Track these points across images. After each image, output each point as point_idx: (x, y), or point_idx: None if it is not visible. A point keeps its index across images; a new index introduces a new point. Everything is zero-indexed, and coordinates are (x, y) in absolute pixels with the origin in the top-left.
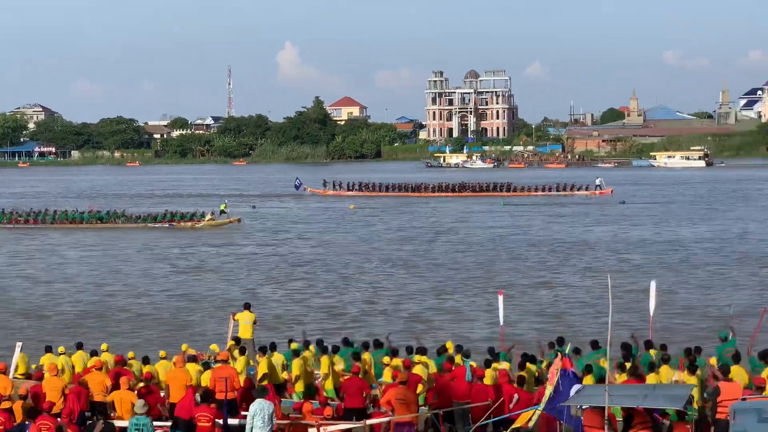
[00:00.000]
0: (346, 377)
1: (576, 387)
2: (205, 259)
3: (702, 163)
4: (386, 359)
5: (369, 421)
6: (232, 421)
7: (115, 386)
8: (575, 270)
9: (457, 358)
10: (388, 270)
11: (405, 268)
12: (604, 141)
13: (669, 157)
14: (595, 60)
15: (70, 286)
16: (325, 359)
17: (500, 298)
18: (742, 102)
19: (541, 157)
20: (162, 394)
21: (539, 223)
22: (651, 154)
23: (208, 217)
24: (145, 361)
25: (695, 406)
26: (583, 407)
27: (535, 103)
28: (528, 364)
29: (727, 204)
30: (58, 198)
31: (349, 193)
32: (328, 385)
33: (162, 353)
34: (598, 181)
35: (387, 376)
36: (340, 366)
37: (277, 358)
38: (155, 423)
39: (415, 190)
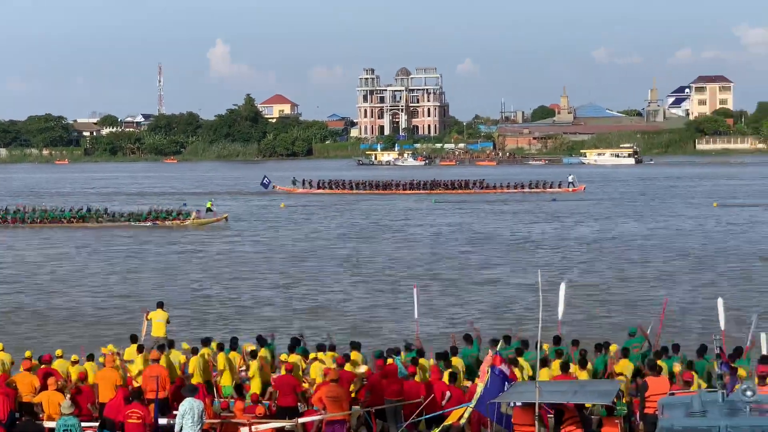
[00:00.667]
0: (275, 376)
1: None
2: (171, 257)
3: (631, 161)
4: (320, 355)
5: (301, 420)
6: (162, 421)
7: (44, 387)
8: (513, 266)
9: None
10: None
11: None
12: (535, 138)
13: (599, 154)
14: (526, 58)
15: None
16: (221, 356)
17: (414, 291)
18: (671, 100)
19: (473, 155)
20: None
21: (478, 220)
22: (581, 151)
23: (194, 215)
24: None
25: (624, 401)
26: (514, 404)
27: (466, 100)
28: (455, 360)
29: (662, 200)
30: None
31: (319, 191)
32: (225, 381)
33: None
34: (570, 178)
35: (314, 373)
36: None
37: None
38: (84, 424)
39: (384, 187)
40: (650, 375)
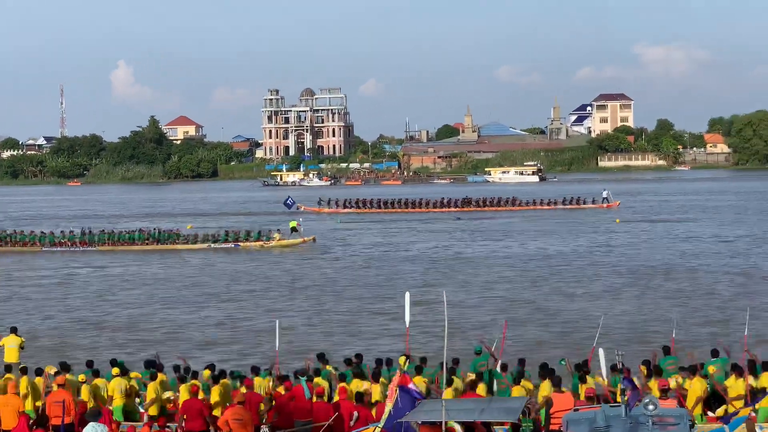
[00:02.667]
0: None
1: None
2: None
3: (535, 178)
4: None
5: None
6: None
7: None
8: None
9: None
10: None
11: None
12: (439, 157)
13: (504, 172)
14: (430, 77)
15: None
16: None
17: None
18: (573, 118)
19: (378, 174)
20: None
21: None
22: (486, 169)
23: (277, 236)
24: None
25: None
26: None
27: (370, 120)
28: (357, 381)
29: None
30: None
31: (345, 210)
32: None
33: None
34: (605, 194)
35: (183, 393)
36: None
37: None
38: None
39: (414, 206)
40: (555, 391)
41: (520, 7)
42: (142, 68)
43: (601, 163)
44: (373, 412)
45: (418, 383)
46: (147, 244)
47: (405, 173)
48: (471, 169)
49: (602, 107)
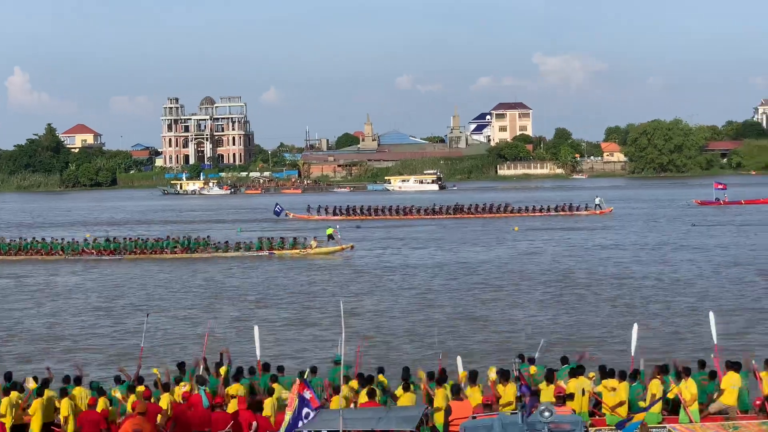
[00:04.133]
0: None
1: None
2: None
3: (435, 187)
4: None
5: None
6: None
7: None
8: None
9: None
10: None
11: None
12: (339, 166)
13: (403, 180)
14: (330, 85)
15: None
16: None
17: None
18: (472, 126)
19: (278, 183)
20: None
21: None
22: (386, 178)
23: (314, 243)
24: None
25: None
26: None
27: (271, 129)
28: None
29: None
30: None
31: (336, 217)
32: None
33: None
34: (597, 200)
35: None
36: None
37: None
38: None
39: (404, 212)
40: (453, 399)
41: (420, 17)
42: (39, 74)
43: (501, 172)
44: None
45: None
46: (176, 252)
47: (305, 182)
48: (371, 177)
49: (501, 116)
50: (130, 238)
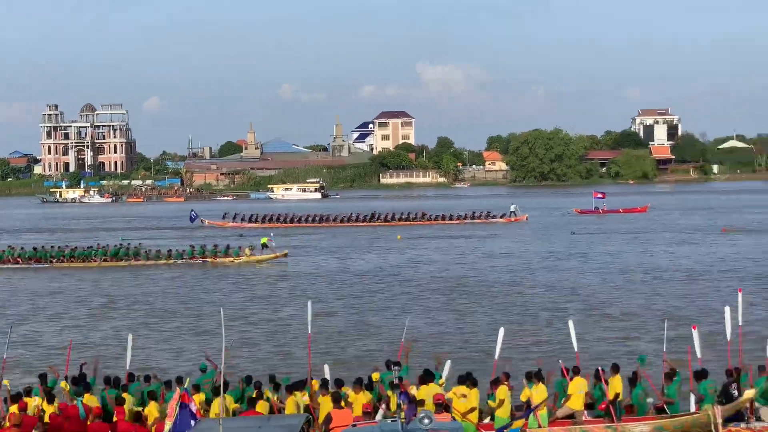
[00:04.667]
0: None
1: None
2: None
3: (318, 195)
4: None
5: None
6: None
7: None
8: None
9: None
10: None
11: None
12: (222, 174)
13: (286, 189)
14: (213, 94)
15: None
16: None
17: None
18: (355, 135)
19: (160, 191)
20: None
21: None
22: (269, 186)
23: (247, 251)
24: None
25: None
26: None
27: (153, 137)
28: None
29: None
30: None
31: (251, 225)
32: None
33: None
34: (513, 208)
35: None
36: None
37: None
38: None
39: (321, 220)
40: (335, 408)
41: (302, 25)
42: None
43: (383, 180)
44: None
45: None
46: (105, 260)
47: (188, 190)
48: (254, 186)
49: (384, 125)
50: (59, 247)
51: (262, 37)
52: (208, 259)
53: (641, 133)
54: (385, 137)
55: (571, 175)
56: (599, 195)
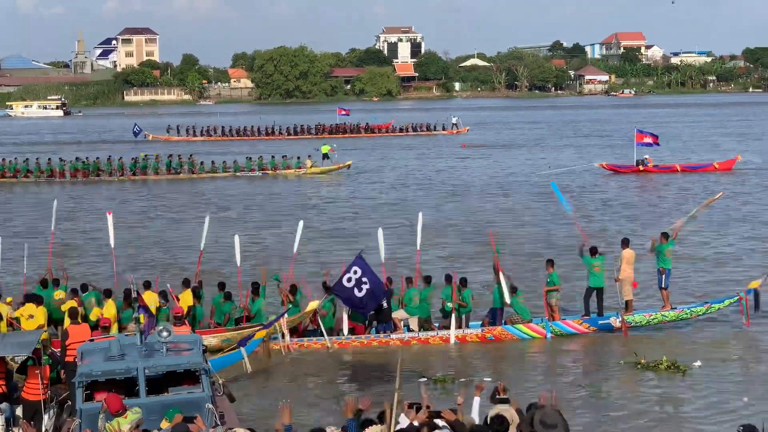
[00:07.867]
0: None
1: None
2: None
3: (60, 113)
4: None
5: None
6: None
7: None
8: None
9: None
10: None
11: None
12: None
13: (26, 106)
14: None
15: None
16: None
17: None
18: (98, 52)
19: None
20: None
21: None
22: (8, 103)
23: (309, 163)
24: None
25: None
26: None
27: None
28: None
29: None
30: None
31: (196, 138)
32: None
33: None
34: (454, 120)
35: None
36: None
37: None
38: None
39: (268, 133)
40: (72, 324)
41: None
42: None
43: (128, 98)
44: None
45: None
46: (158, 174)
47: None
48: None
49: (128, 41)
50: (108, 159)
51: None
52: (267, 171)
53: (385, 51)
54: (129, 54)
55: (317, 93)
56: (344, 112)
